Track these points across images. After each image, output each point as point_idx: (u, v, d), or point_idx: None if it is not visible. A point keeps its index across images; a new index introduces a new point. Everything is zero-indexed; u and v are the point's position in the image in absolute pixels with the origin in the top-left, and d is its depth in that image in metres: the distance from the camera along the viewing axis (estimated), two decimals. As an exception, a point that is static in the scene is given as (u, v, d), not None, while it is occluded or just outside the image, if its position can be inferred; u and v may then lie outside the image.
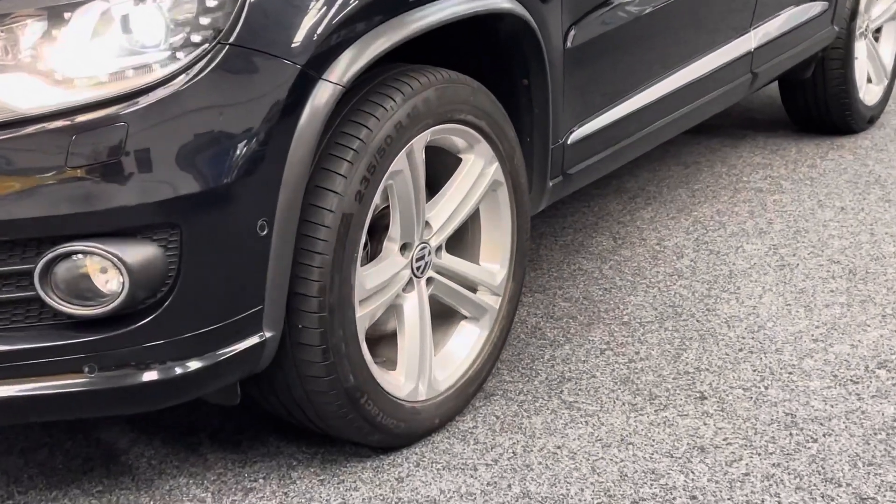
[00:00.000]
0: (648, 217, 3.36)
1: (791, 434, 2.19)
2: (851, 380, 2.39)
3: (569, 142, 2.55)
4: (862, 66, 3.98)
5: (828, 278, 2.90)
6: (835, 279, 2.89)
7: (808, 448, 2.15)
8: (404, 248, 2.14)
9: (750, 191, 3.54)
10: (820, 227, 3.23)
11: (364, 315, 2.04)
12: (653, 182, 3.65)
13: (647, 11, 2.72)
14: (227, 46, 1.75)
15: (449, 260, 2.26)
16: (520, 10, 2.24)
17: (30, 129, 1.67)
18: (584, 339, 2.62)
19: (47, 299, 1.71)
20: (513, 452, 2.17)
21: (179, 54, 1.72)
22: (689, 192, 3.55)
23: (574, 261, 3.08)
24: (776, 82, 3.89)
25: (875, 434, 2.18)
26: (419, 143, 2.08)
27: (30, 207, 1.68)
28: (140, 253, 1.70)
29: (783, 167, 3.75)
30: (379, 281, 2.08)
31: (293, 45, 1.81)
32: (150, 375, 1.78)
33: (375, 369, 2.08)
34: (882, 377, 2.40)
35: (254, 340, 1.85)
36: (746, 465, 2.10)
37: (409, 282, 2.17)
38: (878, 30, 4.15)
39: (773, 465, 2.09)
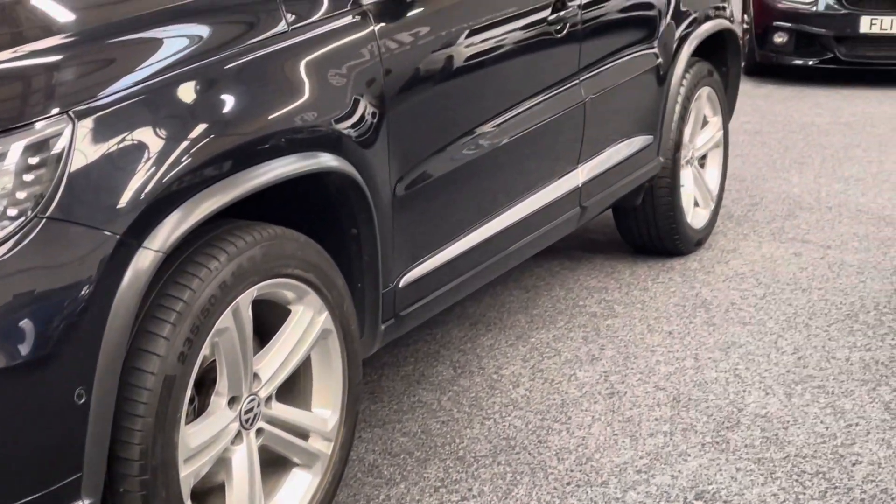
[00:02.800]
0: (488, 344, 3.47)
1: (612, 571, 2.28)
2: (670, 512, 2.50)
3: (400, 285, 2.64)
4: (689, 192, 4.22)
5: (653, 406, 3.03)
6: (660, 406, 3.03)
7: (627, 586, 2.23)
8: (232, 401, 2.17)
9: (585, 315, 3.69)
10: (648, 353, 3.38)
11: (189, 474, 2.05)
12: (494, 307, 3.77)
13: (474, 157, 2.85)
14: (45, 220, 1.77)
15: (279, 409, 2.29)
16: (347, 167, 2.33)
17: None
18: (419, 476, 2.68)
19: None
20: None
21: (-6, 228, 1.73)
22: (528, 318, 3.67)
23: (414, 392, 3.14)
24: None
25: (690, 568, 2.29)
26: (245, 299, 2.12)
27: None
28: (-51, 429, 1.69)
29: (617, 290, 3.92)
30: (205, 438, 2.09)
31: (113, 215, 1.85)
32: (-38, 550, 1.75)
33: (202, 526, 2.09)
34: (699, 508, 2.52)
35: (73, 508, 1.84)
36: None
37: (238, 434, 2.19)
38: (704, 156, 4.42)
39: None
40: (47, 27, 2.10)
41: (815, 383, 3.15)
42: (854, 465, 2.70)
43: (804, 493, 2.57)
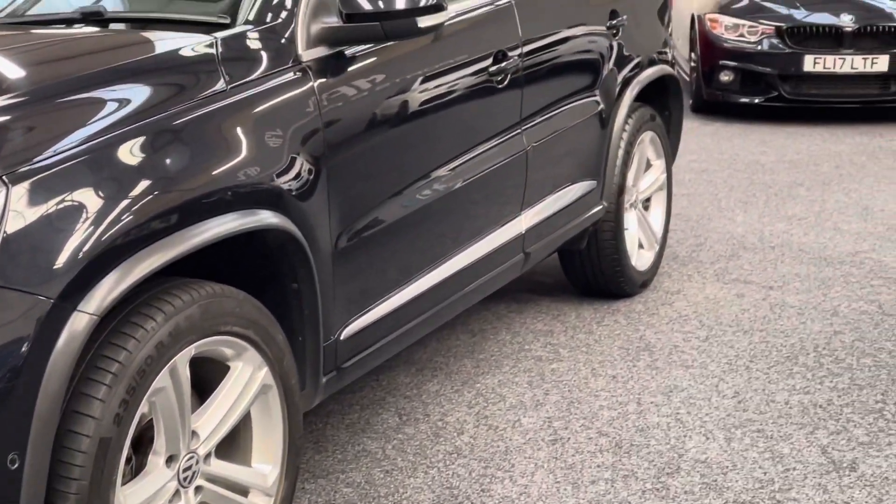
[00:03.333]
0: (434, 390, 3.48)
1: None
2: (610, 561, 2.53)
3: (342, 337, 2.66)
4: (633, 234, 4.28)
5: (596, 452, 3.06)
6: (602, 453, 3.06)
7: None
8: (170, 459, 2.17)
9: (530, 360, 3.72)
10: (592, 398, 3.42)
11: (126, 535, 2.04)
12: (440, 352, 3.79)
13: (416, 208, 2.88)
14: (-23, 286, 1.78)
15: (218, 466, 2.30)
16: (286, 224, 2.35)
17: None
18: (362, 527, 2.68)
19: None
20: None
21: (-74, 297, 1.73)
22: (473, 363, 3.70)
23: (359, 441, 3.15)
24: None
25: None
26: (182, 358, 2.13)
27: None
28: None
29: (563, 334, 3.96)
30: (143, 498, 2.09)
31: (48, 278, 1.86)
32: None
33: (138, 587, 2.08)
34: (638, 557, 2.54)
35: (5, 573, 1.84)
36: None
37: (176, 493, 2.19)
38: (648, 199, 4.48)
39: None
40: (-16, 88, 2.10)
41: (755, 427, 3.20)
42: (791, 510, 2.75)
43: (741, 540, 2.61)
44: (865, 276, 4.54)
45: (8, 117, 1.98)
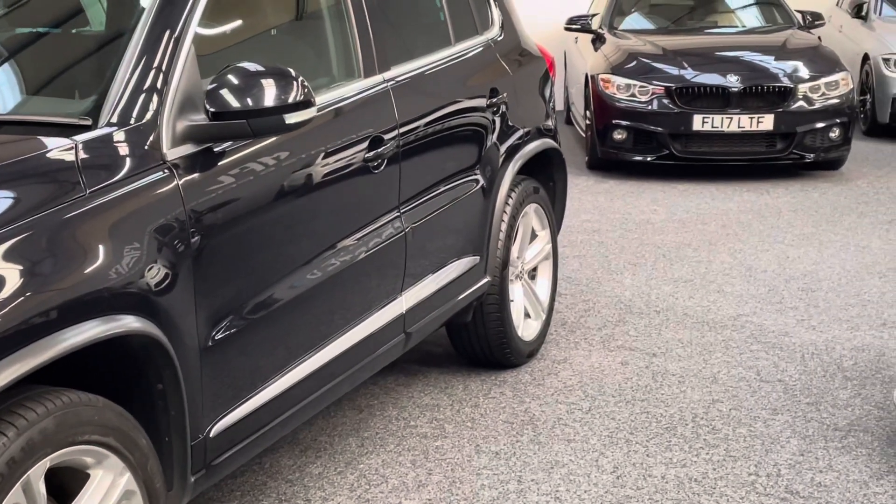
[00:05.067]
0: (317, 473, 3.47)
1: None
2: None
3: (212, 434, 2.64)
4: (518, 306, 4.33)
5: (474, 536, 3.08)
6: (480, 536, 3.08)
7: None
8: (26, 574, 2.12)
9: (416, 437, 3.73)
10: (474, 477, 3.44)
11: None
12: (325, 431, 3.78)
13: (290, 298, 2.89)
14: None
15: (79, 577, 2.26)
16: (149, 328, 2.34)
17: None
18: None
19: None
20: None
21: None
22: (358, 441, 3.70)
23: (237, 530, 3.13)
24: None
25: None
26: (37, 473, 2.10)
27: None
28: None
29: (449, 408, 3.98)
30: None
31: None
32: None
33: None
34: None
35: None
36: None
37: None
38: (535, 268, 4.55)
39: None
40: None
41: (631, 504, 3.26)
42: (662, 591, 2.79)
43: None
44: (745, 340, 4.67)
45: None
